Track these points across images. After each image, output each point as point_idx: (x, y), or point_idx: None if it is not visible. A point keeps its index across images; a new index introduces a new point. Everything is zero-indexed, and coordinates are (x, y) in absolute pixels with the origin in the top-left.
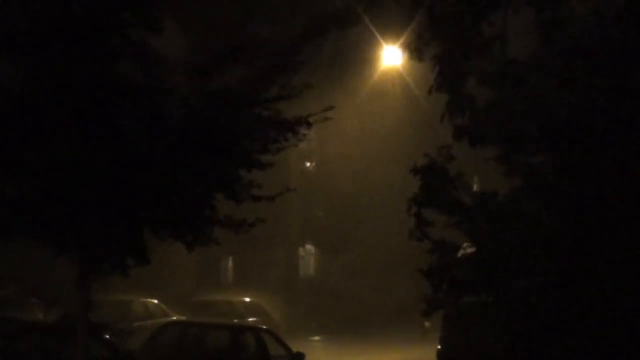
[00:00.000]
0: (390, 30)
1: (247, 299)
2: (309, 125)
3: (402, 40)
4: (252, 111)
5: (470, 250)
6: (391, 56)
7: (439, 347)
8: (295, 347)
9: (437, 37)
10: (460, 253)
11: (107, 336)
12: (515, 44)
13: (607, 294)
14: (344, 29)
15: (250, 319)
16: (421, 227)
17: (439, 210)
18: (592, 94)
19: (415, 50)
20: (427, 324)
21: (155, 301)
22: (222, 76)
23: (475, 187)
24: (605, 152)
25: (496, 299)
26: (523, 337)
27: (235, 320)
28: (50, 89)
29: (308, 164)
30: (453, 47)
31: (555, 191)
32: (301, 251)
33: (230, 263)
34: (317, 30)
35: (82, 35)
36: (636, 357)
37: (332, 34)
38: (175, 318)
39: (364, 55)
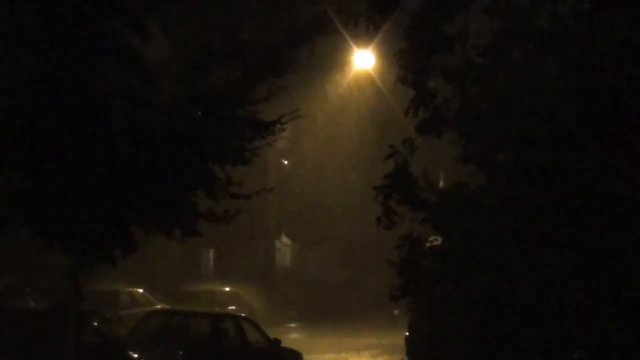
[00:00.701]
0: (362, 36)
1: (227, 289)
2: (282, 124)
3: (373, 45)
4: (232, 112)
5: (436, 242)
6: (362, 60)
7: (407, 333)
8: (272, 333)
9: (404, 34)
10: (427, 245)
11: (96, 323)
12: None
13: (568, 285)
14: (324, 36)
15: (230, 308)
16: (389, 216)
17: (407, 207)
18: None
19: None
20: (396, 312)
21: (141, 291)
22: (206, 78)
23: (441, 183)
24: (564, 153)
25: (460, 289)
26: (486, 325)
27: (216, 309)
28: (45, 91)
29: (285, 162)
30: (417, 44)
31: (516, 187)
32: (278, 243)
33: (211, 255)
34: (299, 38)
35: (76, 40)
36: (597, 348)
37: (309, 40)
38: (159, 307)
39: (336, 60)
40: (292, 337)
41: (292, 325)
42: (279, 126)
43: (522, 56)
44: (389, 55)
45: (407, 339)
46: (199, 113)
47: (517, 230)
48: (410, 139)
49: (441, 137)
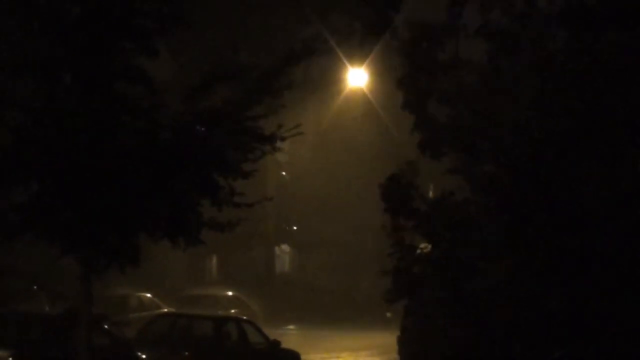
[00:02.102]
0: (356, 55)
1: (230, 293)
2: (283, 139)
3: (366, 63)
4: (235, 127)
5: (426, 250)
6: (356, 78)
7: (399, 334)
8: (272, 335)
9: (402, 62)
10: (417, 252)
11: (107, 326)
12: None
13: (550, 288)
14: (318, 56)
15: (232, 311)
16: (398, 235)
17: (399, 216)
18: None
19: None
20: (389, 314)
21: (149, 295)
22: (209, 97)
23: (430, 194)
24: (545, 163)
25: (449, 292)
26: (473, 325)
27: (219, 312)
28: (60, 109)
29: (283, 173)
30: (414, 71)
31: (503, 195)
32: (277, 250)
33: (214, 261)
34: (294, 59)
35: (90, 62)
36: (575, 344)
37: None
38: (166, 310)
39: (331, 78)
40: (290, 338)
41: (291, 327)
42: (279, 138)
43: (512, 75)
44: (380, 73)
45: (398, 339)
46: (202, 129)
47: (499, 237)
48: (413, 161)
49: (440, 158)
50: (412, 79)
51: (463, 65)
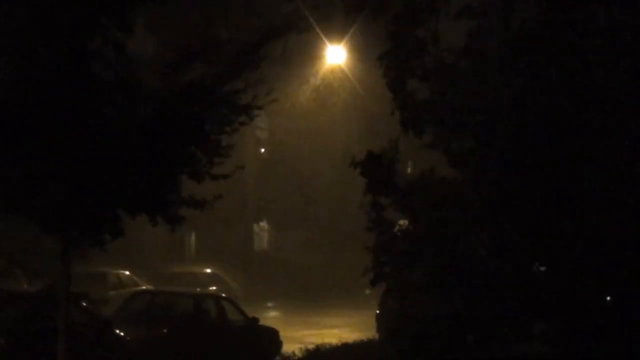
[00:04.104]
0: (334, 32)
1: (209, 270)
2: (259, 109)
3: (345, 40)
4: (212, 101)
5: (404, 226)
6: (335, 55)
7: (378, 311)
8: (250, 312)
9: (383, 37)
10: (396, 228)
11: (85, 304)
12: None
13: (528, 265)
14: (297, 34)
15: (211, 288)
16: (378, 212)
17: (377, 192)
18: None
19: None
20: (368, 291)
21: (128, 273)
22: (187, 72)
23: (409, 170)
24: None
25: (429, 268)
26: (454, 301)
27: (198, 289)
28: (37, 85)
29: (262, 150)
30: (395, 48)
31: (482, 172)
32: (256, 228)
33: (193, 238)
34: (272, 36)
35: (67, 38)
36: (561, 321)
37: (284, 36)
38: (144, 287)
39: (310, 55)
40: (269, 315)
41: (269, 304)
42: (254, 107)
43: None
44: (359, 50)
45: (377, 316)
46: (183, 104)
47: (478, 211)
48: (395, 139)
49: (422, 135)
50: (394, 56)
51: (442, 44)
